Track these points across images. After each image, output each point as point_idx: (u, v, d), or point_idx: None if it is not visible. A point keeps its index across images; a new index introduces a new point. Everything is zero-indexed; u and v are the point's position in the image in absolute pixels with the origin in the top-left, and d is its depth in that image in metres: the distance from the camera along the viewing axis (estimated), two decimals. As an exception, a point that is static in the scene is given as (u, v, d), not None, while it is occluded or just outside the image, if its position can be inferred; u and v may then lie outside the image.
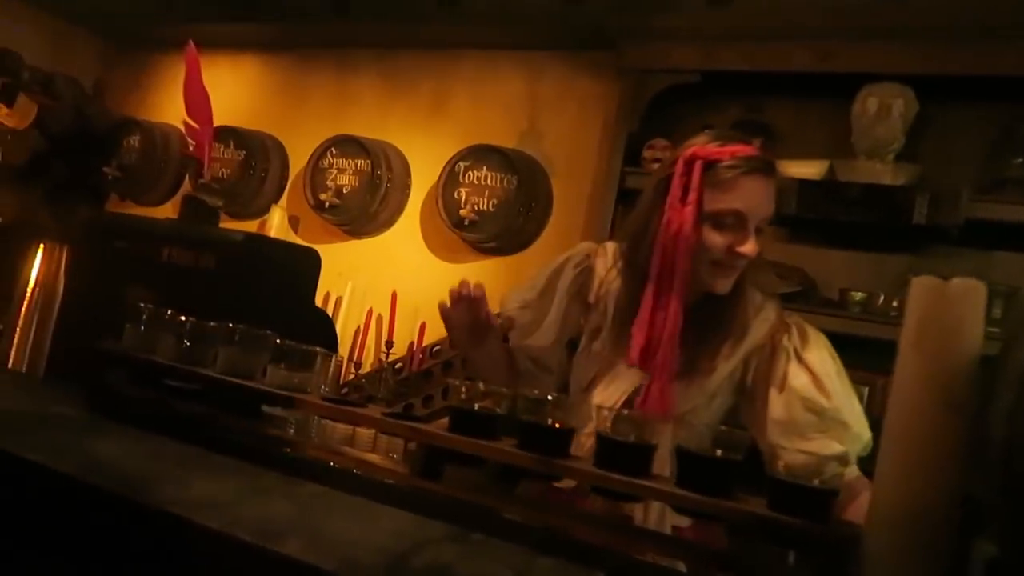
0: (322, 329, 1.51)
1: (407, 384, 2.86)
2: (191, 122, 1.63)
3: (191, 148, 1.71)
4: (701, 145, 1.31)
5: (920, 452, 0.78)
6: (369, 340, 3.09)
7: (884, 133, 2.38)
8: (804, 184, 2.40)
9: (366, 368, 3.04)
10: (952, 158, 2.45)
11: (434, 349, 2.94)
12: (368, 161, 3.10)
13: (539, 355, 1.46)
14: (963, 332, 0.79)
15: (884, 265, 2.46)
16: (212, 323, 1.17)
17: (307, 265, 1.44)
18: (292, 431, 1.23)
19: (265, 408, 1.14)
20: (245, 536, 0.80)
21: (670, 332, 1.27)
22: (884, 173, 2.38)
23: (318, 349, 1.17)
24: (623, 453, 0.92)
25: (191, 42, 1.65)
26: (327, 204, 3.16)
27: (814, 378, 1.30)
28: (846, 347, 2.40)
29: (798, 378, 1.31)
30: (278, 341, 1.14)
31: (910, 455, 0.78)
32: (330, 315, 3.08)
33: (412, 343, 2.96)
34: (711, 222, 1.27)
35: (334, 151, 3.18)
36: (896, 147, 2.40)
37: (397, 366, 2.96)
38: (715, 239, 1.27)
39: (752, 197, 1.26)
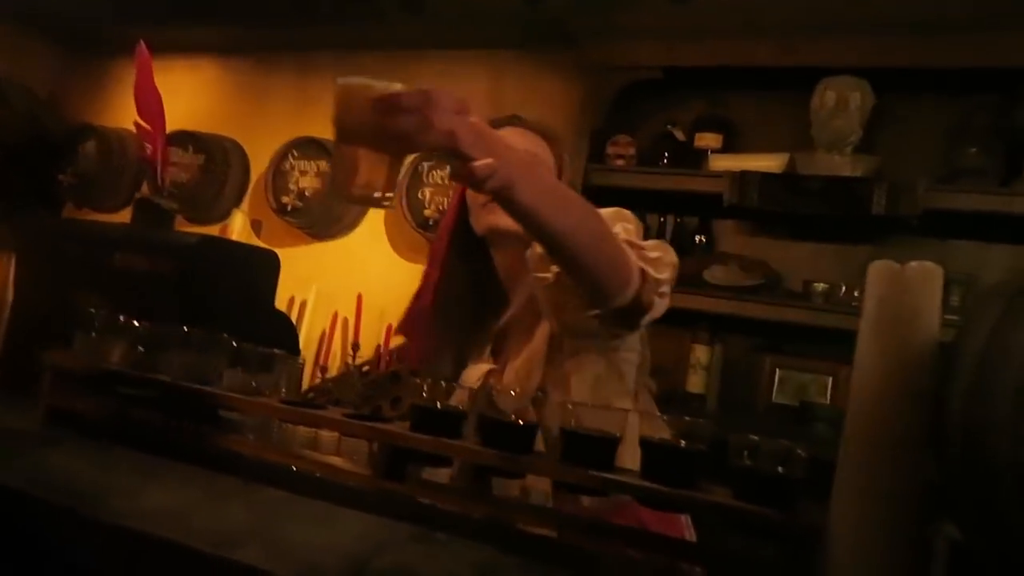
0: (283, 332, 1.48)
1: (374, 386, 2.82)
2: (143, 124, 1.59)
3: (147, 152, 1.67)
4: None
5: (882, 437, 0.78)
6: (335, 344, 3.05)
7: (842, 126, 2.41)
8: (766, 177, 2.42)
9: (333, 372, 3.00)
10: (909, 149, 2.49)
11: (402, 351, 2.91)
12: (330, 162, 3.06)
13: None
14: (921, 316, 0.79)
15: (846, 256, 2.50)
16: (166, 328, 1.14)
17: (266, 267, 1.41)
18: (252, 436, 1.20)
19: (223, 413, 1.11)
20: (200, 546, 0.77)
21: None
22: (843, 165, 2.41)
23: (277, 352, 1.14)
24: (588, 446, 0.91)
25: (141, 42, 1.61)
26: (289, 207, 3.12)
27: None
28: (811, 338, 2.45)
29: None
30: (235, 345, 1.11)
31: (873, 441, 0.78)
32: (294, 319, 3.04)
33: (379, 345, 2.93)
34: None
35: (295, 153, 3.14)
36: (854, 139, 2.43)
37: (364, 369, 2.92)
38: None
39: None
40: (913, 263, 0.79)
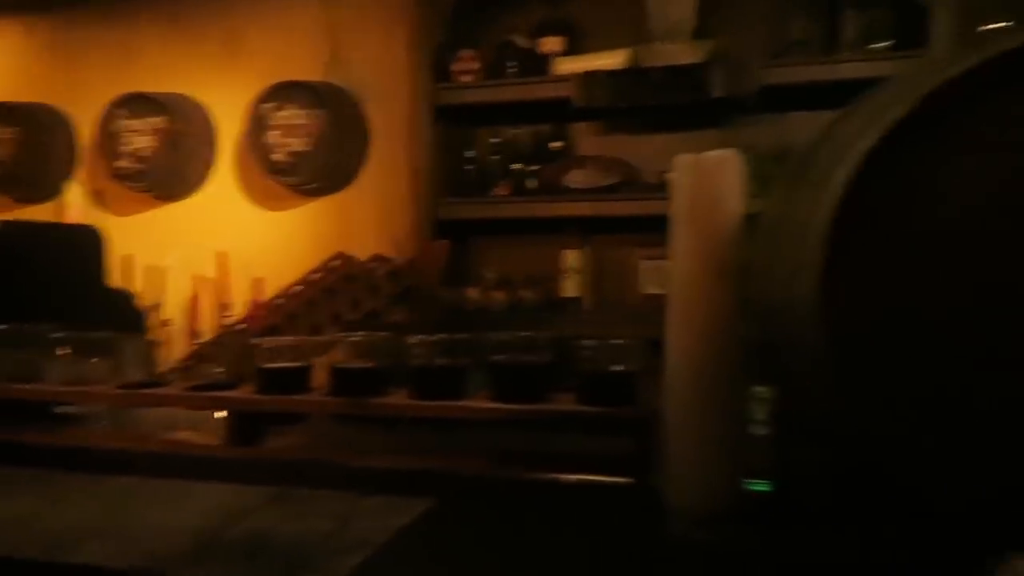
0: (121, 309, 1.39)
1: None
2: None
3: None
4: None
5: (699, 316, 0.81)
6: (205, 307, 2.93)
7: (677, 12, 2.43)
8: (611, 75, 2.43)
9: (207, 336, 2.89)
10: (741, 30, 2.53)
11: (276, 303, 2.82)
12: (164, 117, 2.85)
13: None
14: (723, 202, 0.82)
15: (696, 143, 2.48)
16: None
17: (86, 244, 1.31)
18: (104, 425, 1.14)
19: (59, 409, 1.05)
20: (33, 553, 0.73)
21: None
22: (683, 53, 2.44)
23: (111, 333, 1.07)
24: (436, 378, 0.91)
25: None
26: (127, 171, 2.90)
27: None
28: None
29: None
30: (59, 334, 1.04)
31: (691, 320, 0.82)
32: (156, 288, 2.89)
33: (252, 301, 2.83)
34: None
35: (124, 112, 2.91)
36: (690, 26, 2.46)
37: (240, 327, 2.83)
38: None
39: None
40: (710, 152, 0.81)
